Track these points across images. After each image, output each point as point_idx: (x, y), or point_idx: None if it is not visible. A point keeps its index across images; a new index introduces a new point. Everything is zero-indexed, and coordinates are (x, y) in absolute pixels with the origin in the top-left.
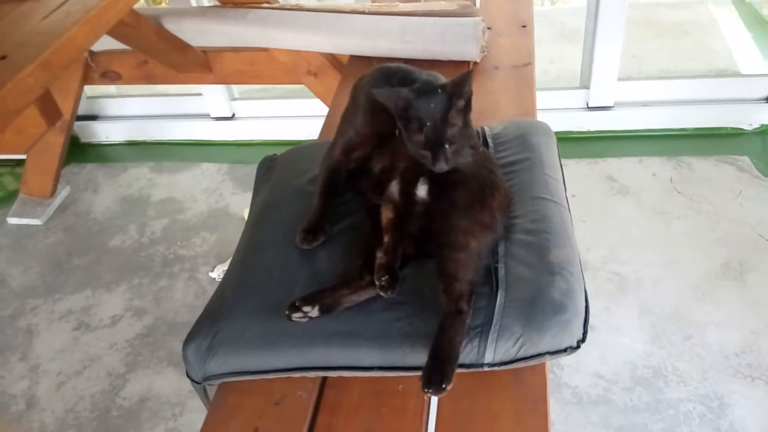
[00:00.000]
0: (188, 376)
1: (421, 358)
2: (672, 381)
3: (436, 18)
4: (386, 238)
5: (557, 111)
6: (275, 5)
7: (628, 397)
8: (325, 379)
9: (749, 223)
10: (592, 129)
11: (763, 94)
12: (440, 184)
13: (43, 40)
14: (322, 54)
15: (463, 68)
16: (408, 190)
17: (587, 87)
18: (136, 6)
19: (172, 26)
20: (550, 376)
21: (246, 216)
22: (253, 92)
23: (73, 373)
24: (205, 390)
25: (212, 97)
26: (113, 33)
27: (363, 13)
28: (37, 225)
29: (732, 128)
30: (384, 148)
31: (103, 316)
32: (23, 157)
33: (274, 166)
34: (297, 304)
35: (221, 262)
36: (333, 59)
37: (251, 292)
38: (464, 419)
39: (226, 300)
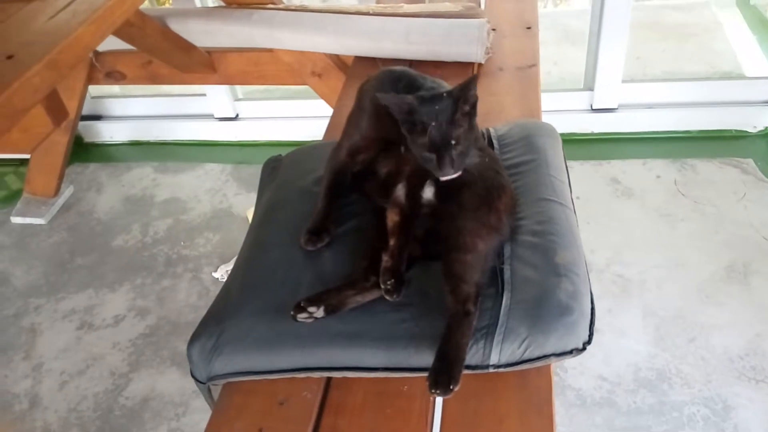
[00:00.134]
0: (192, 375)
1: (426, 359)
2: (676, 383)
3: (441, 19)
4: (392, 242)
5: (561, 113)
6: (280, 6)
7: (631, 400)
8: (329, 379)
9: (753, 225)
10: (596, 131)
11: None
12: (447, 185)
13: (49, 39)
14: (326, 55)
15: (468, 69)
16: (414, 193)
17: (591, 89)
18: (141, 6)
19: (176, 26)
20: (554, 378)
21: (249, 217)
22: (257, 93)
23: (76, 373)
24: (209, 390)
25: (216, 97)
26: (118, 33)
27: (368, 14)
28: (40, 224)
29: (736, 131)
30: (390, 151)
31: (106, 316)
32: (27, 156)
33: (279, 166)
34: (302, 305)
35: (224, 262)
36: (337, 60)
37: (256, 293)
38: (469, 420)
39: (231, 300)
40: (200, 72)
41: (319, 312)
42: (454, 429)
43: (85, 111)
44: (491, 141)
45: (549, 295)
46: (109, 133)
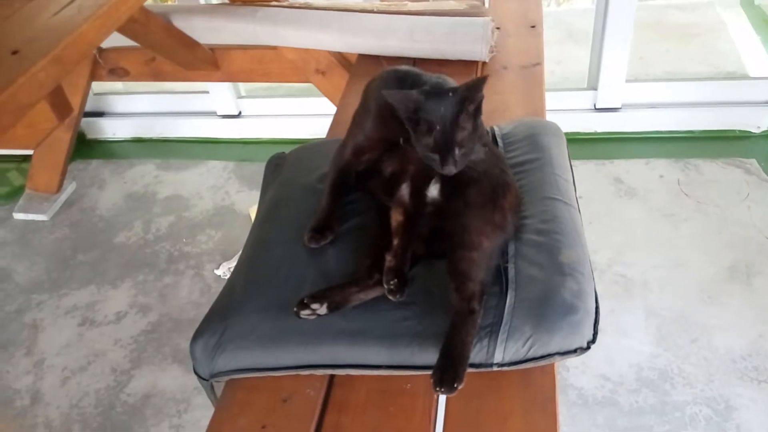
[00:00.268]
0: (195, 372)
1: (429, 357)
2: (678, 383)
3: (446, 17)
4: (395, 241)
5: (564, 112)
6: (284, 3)
7: (633, 399)
8: (332, 377)
9: (756, 226)
10: (599, 130)
11: None
12: (452, 183)
13: (54, 35)
14: (330, 52)
15: (472, 68)
16: (418, 193)
17: (595, 88)
18: (145, 3)
19: (180, 23)
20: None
21: (252, 214)
22: (260, 90)
23: (78, 369)
24: (212, 387)
25: (219, 94)
26: (122, 29)
27: (372, 12)
28: (43, 221)
29: (740, 131)
30: (395, 151)
31: (108, 312)
32: (29, 152)
33: (283, 163)
34: (305, 302)
35: (226, 259)
36: (341, 58)
37: (260, 290)
38: (473, 419)
39: (235, 297)
40: (204, 69)
41: (322, 309)
42: (457, 427)
43: (88, 108)
44: (496, 139)
45: (553, 294)
46: (112, 129)
